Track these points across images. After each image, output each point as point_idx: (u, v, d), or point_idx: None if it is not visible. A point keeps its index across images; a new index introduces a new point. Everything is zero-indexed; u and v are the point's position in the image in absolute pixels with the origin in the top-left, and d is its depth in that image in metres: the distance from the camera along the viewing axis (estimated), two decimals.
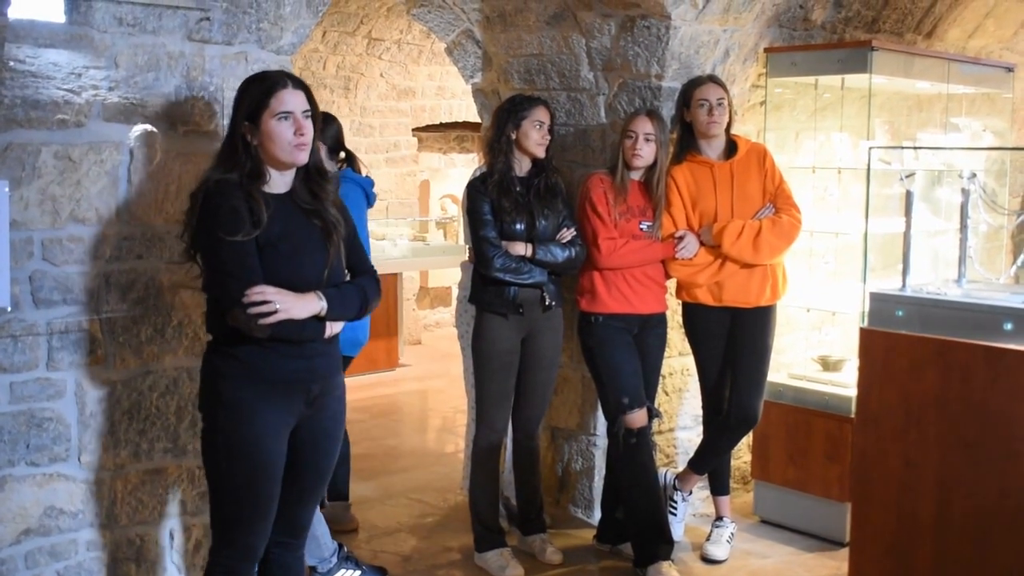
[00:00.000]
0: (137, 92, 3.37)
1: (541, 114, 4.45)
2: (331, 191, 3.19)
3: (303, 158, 3.06)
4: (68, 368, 3.34)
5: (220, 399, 3.05)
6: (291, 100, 3.02)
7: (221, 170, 3.03)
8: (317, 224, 3.13)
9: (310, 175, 3.15)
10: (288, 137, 3.01)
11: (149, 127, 3.41)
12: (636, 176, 4.59)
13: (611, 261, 4.49)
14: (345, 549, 4.47)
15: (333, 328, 3.13)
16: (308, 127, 3.05)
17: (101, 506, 3.46)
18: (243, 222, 2.95)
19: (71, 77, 3.23)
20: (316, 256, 3.10)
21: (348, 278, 3.24)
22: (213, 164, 3.09)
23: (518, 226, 4.43)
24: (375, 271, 3.34)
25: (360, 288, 3.23)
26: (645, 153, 4.50)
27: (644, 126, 4.51)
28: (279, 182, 3.10)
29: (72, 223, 3.30)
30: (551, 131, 4.50)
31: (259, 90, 3.02)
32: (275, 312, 2.93)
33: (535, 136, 4.43)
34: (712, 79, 4.69)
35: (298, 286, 3.02)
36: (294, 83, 3.05)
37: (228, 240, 2.93)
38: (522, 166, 4.51)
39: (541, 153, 4.46)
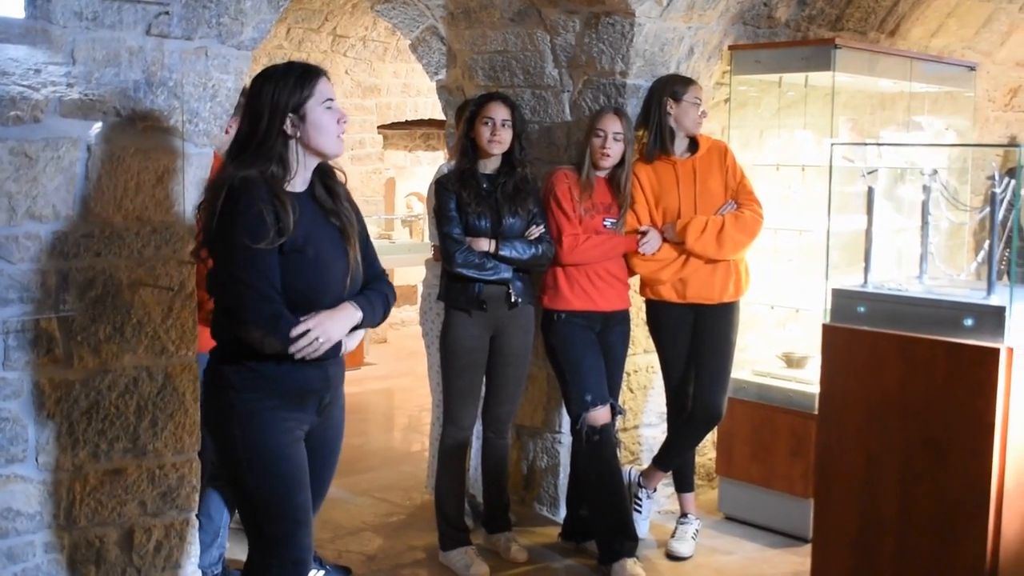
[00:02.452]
0: (96, 87, 3.32)
1: (490, 110, 4.40)
2: (343, 186, 3.12)
3: (342, 149, 3.01)
4: (25, 367, 3.29)
5: (233, 412, 2.95)
6: (331, 88, 2.97)
7: (242, 167, 2.89)
8: (335, 224, 3.03)
9: (325, 171, 3.06)
10: (335, 126, 2.96)
11: (108, 123, 3.36)
12: (602, 174, 4.59)
13: (574, 257, 4.48)
14: None
15: (353, 341, 3.04)
16: (346, 117, 3.01)
17: (59, 507, 3.41)
18: (268, 229, 2.81)
19: (30, 73, 3.18)
20: (339, 260, 2.99)
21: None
22: (231, 159, 2.96)
23: (481, 223, 4.41)
24: (386, 273, 3.27)
25: (383, 296, 3.15)
26: (614, 152, 4.50)
27: (613, 125, 4.50)
28: (300, 180, 3.00)
29: (28, 220, 3.24)
30: (515, 126, 4.45)
31: (300, 79, 2.92)
32: (319, 344, 2.86)
33: (485, 133, 4.40)
34: (692, 81, 4.72)
35: (324, 292, 2.94)
36: (323, 71, 3.00)
37: (251, 247, 2.81)
38: (489, 163, 4.49)
39: (495, 150, 4.42)
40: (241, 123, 3.00)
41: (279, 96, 2.92)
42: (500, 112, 4.41)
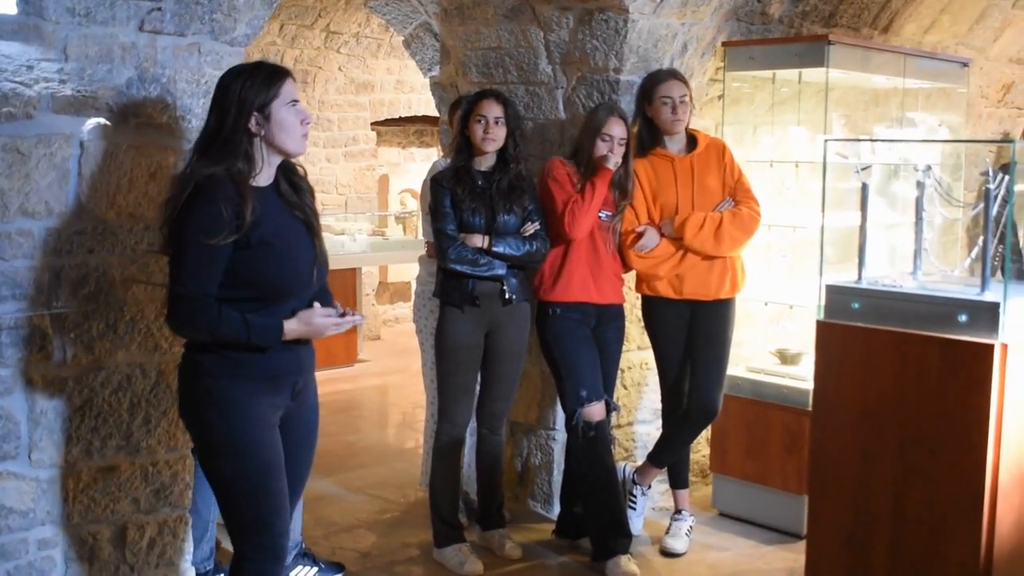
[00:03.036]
0: (88, 84, 3.31)
1: (484, 108, 4.40)
2: (305, 180, 3.19)
3: (305, 147, 3.07)
4: (17, 364, 3.28)
5: (209, 399, 2.99)
6: (295, 89, 3.05)
7: (208, 163, 2.96)
8: (300, 217, 3.11)
9: (287, 167, 3.13)
10: (299, 126, 3.03)
11: (100, 120, 3.35)
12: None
13: (575, 227, 4.46)
14: (303, 545, 4.44)
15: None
16: (310, 116, 3.09)
17: (52, 505, 3.41)
18: (224, 225, 2.89)
19: (22, 69, 3.17)
20: (306, 251, 3.09)
21: None
22: (198, 156, 3.01)
23: (476, 219, 4.41)
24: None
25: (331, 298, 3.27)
26: (620, 157, 4.50)
27: (621, 131, 4.49)
28: (264, 175, 3.07)
29: (21, 217, 3.23)
30: (509, 123, 4.44)
31: (268, 80, 3.00)
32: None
33: (478, 131, 4.39)
34: (674, 75, 4.67)
35: (295, 281, 3.03)
36: (288, 72, 3.07)
37: (204, 243, 2.88)
38: (484, 160, 4.48)
39: (488, 148, 4.41)
40: (208, 119, 3.06)
41: (246, 94, 2.98)
42: (493, 110, 4.40)
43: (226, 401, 2.99)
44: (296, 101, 3.04)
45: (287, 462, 3.14)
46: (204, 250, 2.90)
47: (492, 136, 4.39)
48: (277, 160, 3.08)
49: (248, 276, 2.96)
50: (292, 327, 3.01)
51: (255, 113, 2.98)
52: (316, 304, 3.08)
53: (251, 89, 2.98)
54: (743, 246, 4.66)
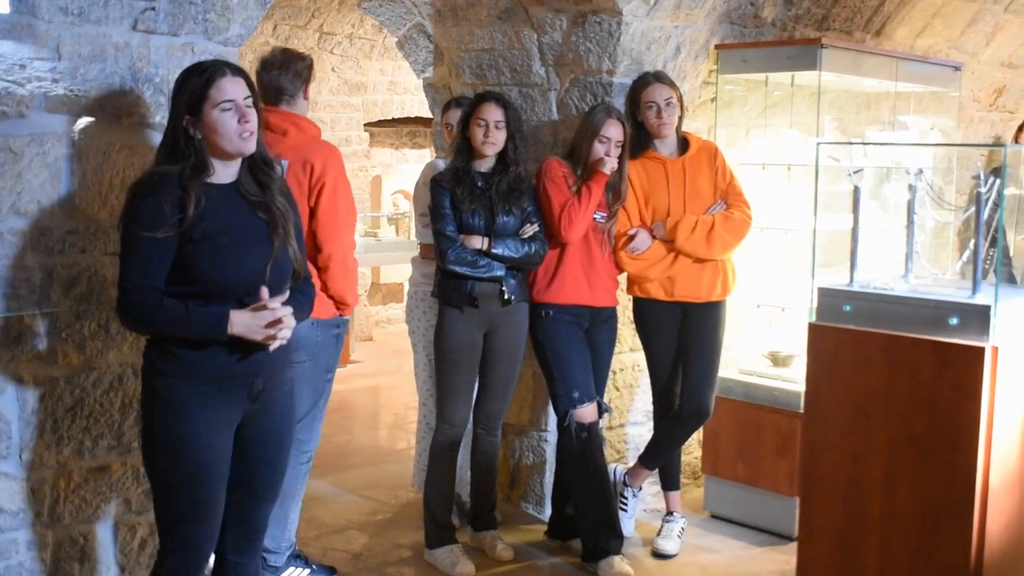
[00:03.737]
0: (81, 83, 3.31)
1: (484, 111, 4.39)
2: (278, 180, 3.12)
3: (250, 147, 3.00)
4: (8, 364, 3.27)
5: (157, 396, 2.97)
6: (231, 89, 2.95)
7: (163, 164, 2.96)
8: (262, 216, 3.05)
9: (255, 164, 3.07)
10: (233, 127, 2.94)
11: (93, 119, 3.35)
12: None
13: (571, 230, 4.46)
14: (295, 547, 4.43)
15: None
16: (252, 115, 2.98)
17: (43, 504, 3.40)
18: (164, 219, 2.87)
19: (15, 68, 3.16)
20: (260, 250, 3.02)
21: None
22: (156, 159, 3.02)
23: (475, 220, 4.41)
24: (310, 274, 3.31)
25: (309, 298, 3.24)
26: (616, 160, 4.50)
27: (618, 133, 4.49)
28: (224, 173, 3.02)
29: (13, 216, 3.23)
30: (509, 126, 4.43)
31: (198, 81, 2.94)
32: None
33: (478, 135, 4.39)
34: (658, 78, 4.66)
35: (240, 280, 2.97)
36: (232, 71, 2.99)
37: (144, 236, 2.87)
38: (484, 162, 4.48)
39: (488, 151, 4.42)
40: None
41: (180, 96, 2.97)
42: (494, 114, 4.39)
43: (171, 400, 2.95)
44: (230, 101, 2.94)
45: (254, 465, 3.12)
46: (145, 243, 2.88)
47: (492, 140, 4.39)
48: (230, 159, 3.02)
49: (192, 271, 2.92)
50: (239, 318, 2.93)
51: (187, 116, 2.94)
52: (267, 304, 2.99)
53: (184, 91, 2.96)
54: (734, 249, 4.66)
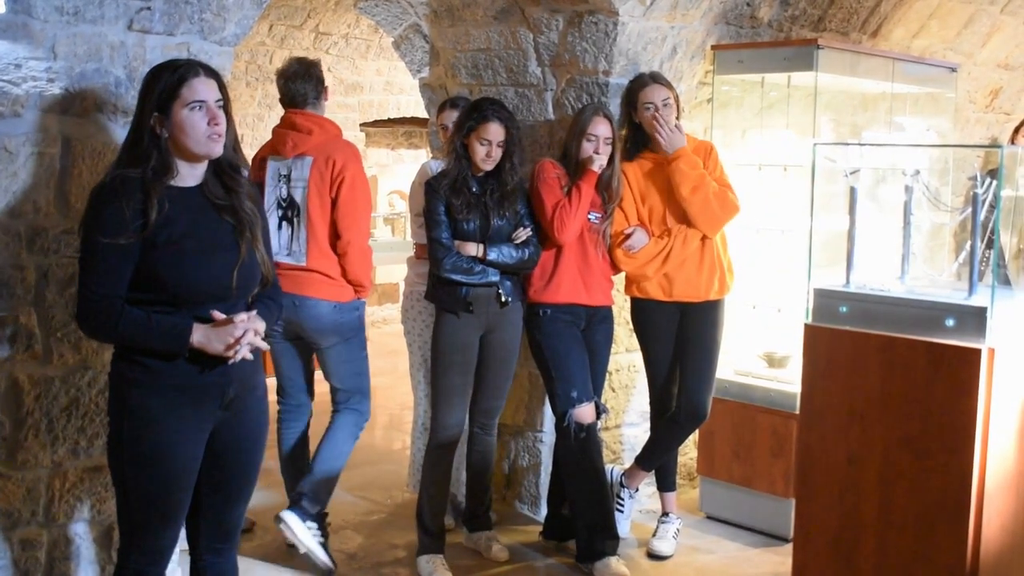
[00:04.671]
0: (77, 83, 3.30)
1: (488, 132, 4.35)
2: (245, 184, 3.06)
3: (218, 150, 2.94)
4: (3, 364, 3.27)
5: (125, 406, 2.92)
6: (204, 89, 2.90)
7: (125, 164, 2.90)
8: (229, 221, 3.00)
9: (222, 168, 3.01)
10: (202, 128, 2.89)
11: (89, 119, 3.34)
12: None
13: (564, 232, 4.46)
14: (327, 516, 4.61)
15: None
16: (222, 117, 2.93)
17: (38, 504, 3.39)
18: (125, 225, 2.82)
19: (10, 68, 3.16)
20: (225, 254, 2.97)
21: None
22: (117, 158, 2.97)
23: (470, 226, 4.40)
24: (278, 280, 3.26)
25: (280, 305, 3.21)
26: (606, 156, 4.50)
27: (606, 130, 4.50)
28: (188, 175, 2.97)
29: (8, 215, 3.22)
30: (508, 143, 4.40)
31: (170, 79, 2.88)
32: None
33: (480, 152, 4.37)
34: (655, 79, 4.66)
35: (205, 285, 2.92)
36: (206, 71, 2.94)
37: (105, 243, 2.82)
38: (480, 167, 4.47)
39: (486, 167, 4.40)
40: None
41: (149, 93, 2.91)
42: (497, 134, 4.36)
43: (139, 410, 2.91)
44: (201, 102, 2.89)
45: (228, 470, 3.09)
46: (105, 250, 2.83)
47: (492, 157, 4.39)
48: (196, 161, 2.97)
49: (154, 277, 2.87)
50: (199, 331, 2.89)
51: (155, 114, 2.89)
52: (240, 313, 2.96)
53: (153, 90, 2.90)
54: (716, 226, 4.61)
